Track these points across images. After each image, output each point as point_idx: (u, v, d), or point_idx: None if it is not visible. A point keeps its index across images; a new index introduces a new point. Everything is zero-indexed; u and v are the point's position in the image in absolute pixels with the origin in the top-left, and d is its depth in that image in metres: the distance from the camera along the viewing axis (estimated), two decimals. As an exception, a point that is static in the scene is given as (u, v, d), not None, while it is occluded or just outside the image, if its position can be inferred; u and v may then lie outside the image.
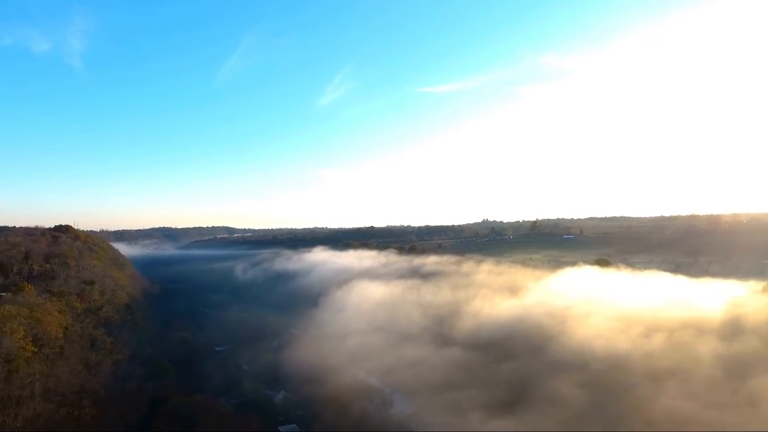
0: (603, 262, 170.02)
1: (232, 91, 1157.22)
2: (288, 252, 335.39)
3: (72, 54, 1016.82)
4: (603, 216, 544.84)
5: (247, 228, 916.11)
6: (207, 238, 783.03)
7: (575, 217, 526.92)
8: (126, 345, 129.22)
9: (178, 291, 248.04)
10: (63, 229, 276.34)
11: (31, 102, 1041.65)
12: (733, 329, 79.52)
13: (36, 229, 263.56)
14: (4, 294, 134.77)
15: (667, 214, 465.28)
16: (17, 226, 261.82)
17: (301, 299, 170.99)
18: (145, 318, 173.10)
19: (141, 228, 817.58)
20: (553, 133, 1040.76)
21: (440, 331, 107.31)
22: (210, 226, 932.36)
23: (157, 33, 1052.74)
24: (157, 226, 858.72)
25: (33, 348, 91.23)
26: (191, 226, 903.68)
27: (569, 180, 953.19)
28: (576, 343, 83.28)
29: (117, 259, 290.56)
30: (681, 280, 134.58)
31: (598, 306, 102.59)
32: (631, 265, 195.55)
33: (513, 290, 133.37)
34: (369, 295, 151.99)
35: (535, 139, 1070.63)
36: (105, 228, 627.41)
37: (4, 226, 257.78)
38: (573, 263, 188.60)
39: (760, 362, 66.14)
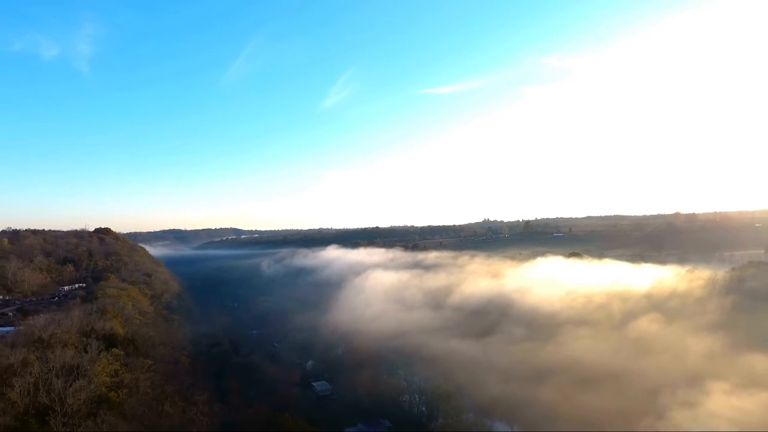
0: (573, 255, 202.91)
1: (237, 94, 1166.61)
2: (303, 250, 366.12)
3: (80, 59, 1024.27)
4: (600, 215, 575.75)
5: (253, 229, 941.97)
6: (218, 239, 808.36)
7: (573, 216, 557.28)
8: (186, 323, 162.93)
9: (205, 286, 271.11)
10: (104, 231, 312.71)
11: (38, 106, 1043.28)
12: (638, 296, 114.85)
13: (83, 231, 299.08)
14: (81, 284, 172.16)
15: (663, 213, 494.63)
16: (45, 229, 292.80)
17: (324, 287, 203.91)
18: (194, 304, 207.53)
19: (151, 230, 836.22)
20: (555, 133, 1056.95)
21: (437, 302, 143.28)
22: (218, 227, 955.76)
23: (163, 37, 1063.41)
24: (165, 228, 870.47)
25: (139, 317, 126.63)
26: (200, 228, 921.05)
27: (569, 179, 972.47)
28: (529, 306, 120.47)
29: (152, 257, 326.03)
30: (628, 266, 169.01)
31: (551, 284, 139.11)
32: (605, 257, 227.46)
33: (495, 275, 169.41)
34: (382, 281, 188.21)
35: (536, 139, 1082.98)
36: (117, 230, 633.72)
37: (57, 230, 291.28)
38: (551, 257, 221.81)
39: (642, 314, 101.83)
